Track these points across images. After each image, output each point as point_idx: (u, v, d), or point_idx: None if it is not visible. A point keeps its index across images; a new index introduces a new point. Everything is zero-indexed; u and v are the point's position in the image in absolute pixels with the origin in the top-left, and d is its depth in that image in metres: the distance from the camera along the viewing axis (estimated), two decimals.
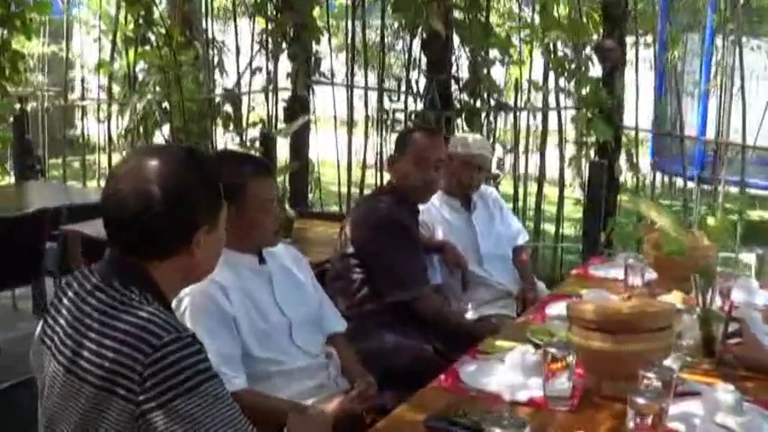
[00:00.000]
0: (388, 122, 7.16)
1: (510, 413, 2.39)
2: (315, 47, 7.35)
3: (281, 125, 7.30)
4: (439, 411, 2.50)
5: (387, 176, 4.18)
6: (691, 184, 8.11)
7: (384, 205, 3.89)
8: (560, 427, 2.37)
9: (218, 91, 7.65)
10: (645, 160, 9.63)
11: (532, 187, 7.61)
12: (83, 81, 9.08)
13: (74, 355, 1.89)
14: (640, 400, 2.25)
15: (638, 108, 7.19)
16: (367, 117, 7.21)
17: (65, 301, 2.00)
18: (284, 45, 7.14)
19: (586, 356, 2.70)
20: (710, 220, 3.77)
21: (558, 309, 3.53)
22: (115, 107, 8.19)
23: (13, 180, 8.13)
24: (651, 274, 3.93)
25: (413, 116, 6.89)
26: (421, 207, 4.09)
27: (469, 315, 4.23)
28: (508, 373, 2.80)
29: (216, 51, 7.85)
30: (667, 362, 2.71)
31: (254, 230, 2.90)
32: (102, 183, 8.22)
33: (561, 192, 7.40)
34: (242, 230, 2.77)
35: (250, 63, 7.47)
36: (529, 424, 2.13)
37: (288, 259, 3.13)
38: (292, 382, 2.87)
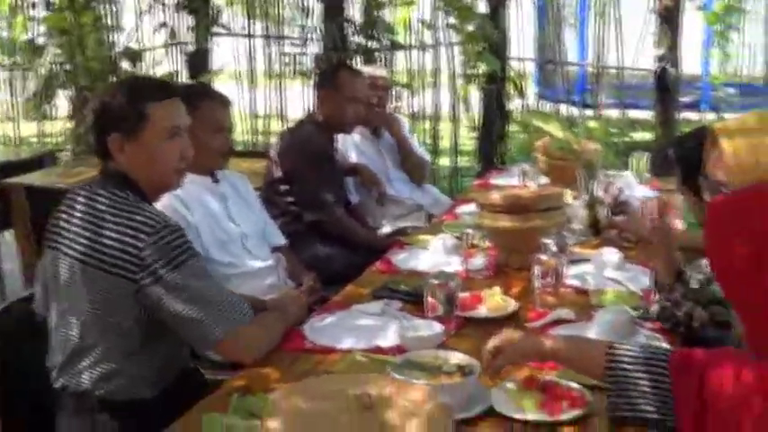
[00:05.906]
0: (291, 67, 7.48)
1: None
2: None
3: (185, 79, 7.55)
4: (382, 285, 3.01)
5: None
6: (575, 111, 8.63)
7: (306, 135, 4.33)
8: (480, 287, 2.86)
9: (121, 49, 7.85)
10: (531, 92, 10.16)
11: (427, 124, 8.07)
12: None
13: (88, 249, 2.33)
14: (542, 257, 2.76)
15: (523, 41, 7.68)
16: (270, 65, 7.52)
17: (76, 206, 2.41)
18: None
19: (496, 235, 3.22)
20: (592, 123, 4.29)
21: (466, 209, 4.10)
22: (18, 73, 8.35)
23: None
24: (543, 179, 4.48)
25: (314, 59, 7.24)
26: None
27: (386, 229, 4.70)
28: (433, 256, 3.38)
29: (115, 10, 8.03)
30: None
31: (205, 150, 3.17)
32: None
33: (455, 121, 7.88)
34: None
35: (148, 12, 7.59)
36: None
37: (237, 182, 3.56)
38: (248, 282, 3.27)
